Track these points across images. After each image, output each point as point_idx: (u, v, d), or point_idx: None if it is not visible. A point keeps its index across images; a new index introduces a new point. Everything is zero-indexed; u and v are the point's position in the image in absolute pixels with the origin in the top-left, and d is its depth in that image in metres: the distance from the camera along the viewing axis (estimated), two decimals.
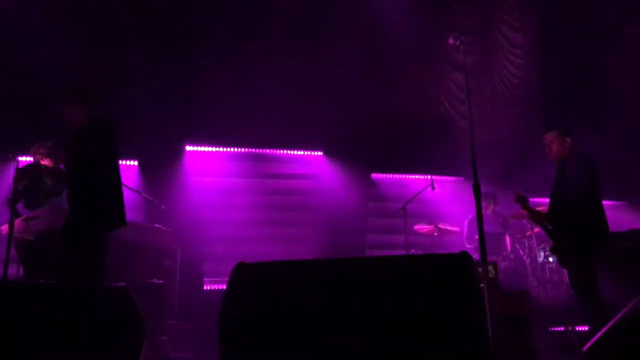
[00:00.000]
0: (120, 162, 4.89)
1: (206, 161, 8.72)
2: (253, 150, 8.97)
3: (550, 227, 5.03)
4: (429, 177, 7.89)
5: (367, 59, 9.26)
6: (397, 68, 9.22)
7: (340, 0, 9.09)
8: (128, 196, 6.99)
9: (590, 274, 4.70)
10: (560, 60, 9.73)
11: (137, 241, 5.84)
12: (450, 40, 4.38)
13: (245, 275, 2.42)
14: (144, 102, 7.78)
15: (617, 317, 2.08)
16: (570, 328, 6.30)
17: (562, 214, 4.90)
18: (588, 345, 2.17)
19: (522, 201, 5.12)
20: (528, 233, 7.72)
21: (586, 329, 5.85)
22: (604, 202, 4.99)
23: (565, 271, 7.05)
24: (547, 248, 7.63)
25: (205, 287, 8.12)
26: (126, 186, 6.47)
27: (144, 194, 6.77)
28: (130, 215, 6.42)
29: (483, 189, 4.08)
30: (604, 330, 2.13)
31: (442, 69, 9.56)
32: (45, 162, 5.81)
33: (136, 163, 8.22)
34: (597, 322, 4.35)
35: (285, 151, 9.20)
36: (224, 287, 2.43)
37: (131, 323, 2.87)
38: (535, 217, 5.13)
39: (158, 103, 7.92)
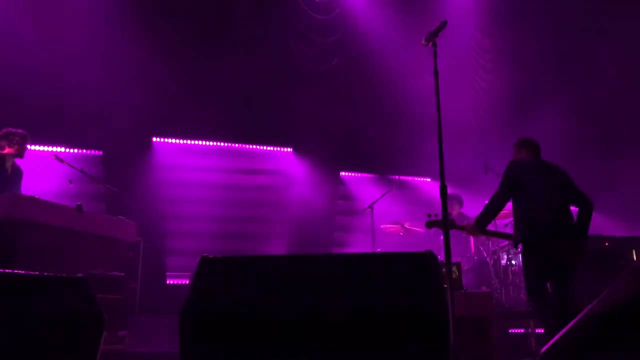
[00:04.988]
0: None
1: (173, 154, 8.60)
2: (222, 144, 8.88)
3: None
4: (397, 177, 7.92)
5: (340, 58, 9.26)
6: (368, 68, 9.24)
7: None
8: (91, 186, 6.92)
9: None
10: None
11: (99, 232, 5.71)
12: (423, 42, 4.38)
13: (210, 270, 2.38)
14: (111, 91, 7.64)
15: (575, 320, 2.10)
16: (530, 330, 6.42)
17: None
18: (547, 346, 2.19)
19: None
20: None
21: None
22: None
23: None
24: (510, 250, 7.74)
25: (168, 281, 8.02)
26: (89, 176, 6.36)
27: (107, 185, 6.62)
28: (94, 206, 6.33)
29: (449, 191, 4.09)
30: (562, 332, 2.15)
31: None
32: (11, 149, 5.68)
33: (101, 153, 8.07)
34: (561, 321, 4.39)
35: (254, 146, 9.13)
36: (187, 281, 2.39)
37: (89, 316, 2.79)
38: None
39: (126, 92, 7.77)
